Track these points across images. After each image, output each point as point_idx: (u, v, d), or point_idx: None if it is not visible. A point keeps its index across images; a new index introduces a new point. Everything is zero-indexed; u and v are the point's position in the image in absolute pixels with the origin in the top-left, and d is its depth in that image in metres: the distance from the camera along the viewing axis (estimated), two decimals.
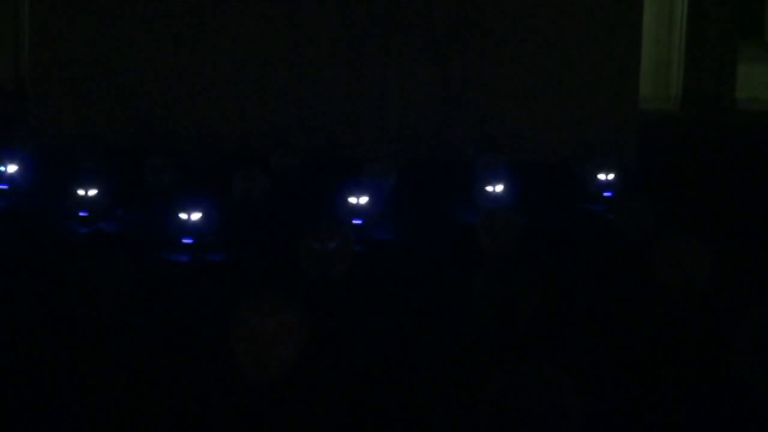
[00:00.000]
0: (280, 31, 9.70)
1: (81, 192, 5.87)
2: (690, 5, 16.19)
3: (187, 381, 3.55)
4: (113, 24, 9.75)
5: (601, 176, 7.30)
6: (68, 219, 6.00)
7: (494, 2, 9.54)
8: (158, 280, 4.81)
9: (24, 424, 3.15)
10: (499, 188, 6.73)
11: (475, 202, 6.77)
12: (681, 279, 4.72)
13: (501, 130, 9.38)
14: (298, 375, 3.52)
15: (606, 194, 7.21)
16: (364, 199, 5.86)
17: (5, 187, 6.78)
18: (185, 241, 5.38)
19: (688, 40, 16.21)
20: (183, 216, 5.36)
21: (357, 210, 5.88)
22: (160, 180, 6.75)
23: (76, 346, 3.88)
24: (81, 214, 5.90)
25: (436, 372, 3.74)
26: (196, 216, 5.37)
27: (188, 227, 5.38)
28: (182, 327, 4.14)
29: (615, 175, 7.29)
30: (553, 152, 9.19)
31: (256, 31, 9.71)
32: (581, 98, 9.48)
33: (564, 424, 2.83)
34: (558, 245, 6.02)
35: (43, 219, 6.07)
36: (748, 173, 9.23)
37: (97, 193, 5.91)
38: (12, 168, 6.82)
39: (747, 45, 16.83)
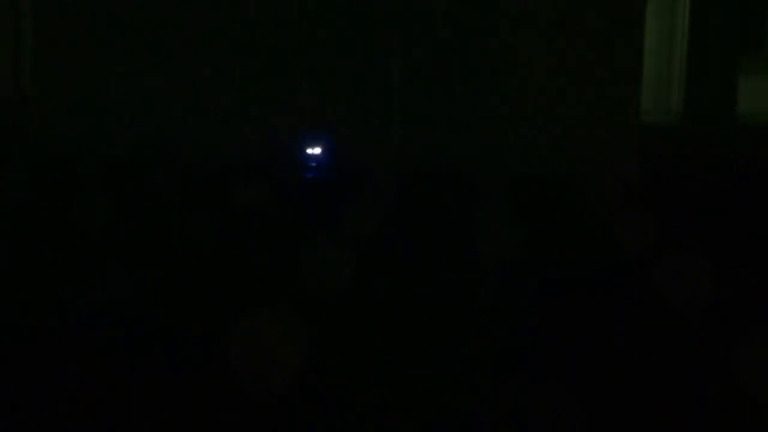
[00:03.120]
0: (280, 38, 9.71)
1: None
2: (691, 18, 16.23)
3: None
4: (116, 32, 9.76)
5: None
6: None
7: (495, 14, 9.54)
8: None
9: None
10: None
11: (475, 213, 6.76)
12: (683, 293, 4.71)
13: (501, 142, 9.37)
14: (297, 385, 3.51)
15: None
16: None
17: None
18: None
19: (689, 53, 16.24)
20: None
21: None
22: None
23: None
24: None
25: (435, 384, 3.72)
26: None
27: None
28: None
29: None
30: (552, 164, 9.19)
31: (256, 36, 9.73)
32: (582, 110, 9.48)
33: None
34: (556, 259, 6.01)
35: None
36: (749, 186, 9.22)
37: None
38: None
39: (748, 57, 16.86)
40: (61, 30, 9.82)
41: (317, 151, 9.12)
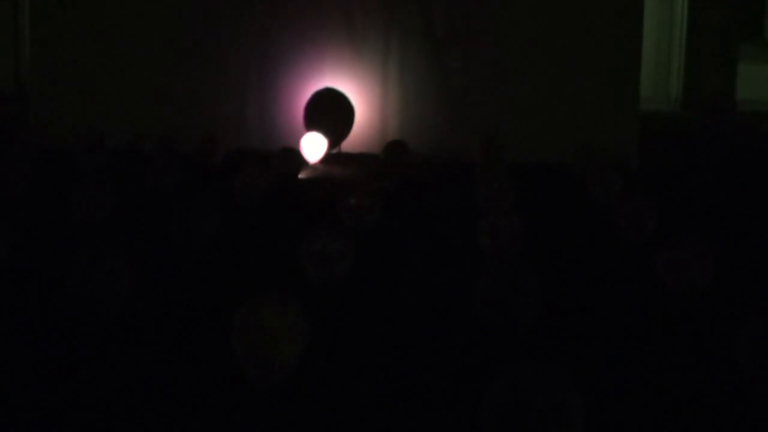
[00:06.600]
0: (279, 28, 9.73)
1: None
2: (690, 5, 16.19)
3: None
4: (114, 24, 9.76)
5: None
6: None
7: (494, 3, 9.54)
8: None
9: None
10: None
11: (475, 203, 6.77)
12: (683, 280, 4.72)
13: (501, 130, 9.37)
14: (296, 377, 3.52)
15: None
16: None
17: None
18: None
19: (689, 40, 16.21)
20: None
21: None
22: None
23: None
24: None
25: (437, 374, 3.74)
26: None
27: None
28: None
29: None
30: (552, 153, 9.19)
31: (257, 29, 9.73)
32: (581, 98, 9.48)
33: (566, 426, 2.82)
34: (557, 247, 6.02)
35: None
36: (748, 174, 9.22)
37: None
38: None
39: (747, 45, 16.83)
40: (59, 22, 9.81)
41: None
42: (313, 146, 9.02)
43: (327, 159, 9.18)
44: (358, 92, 9.68)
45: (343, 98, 9.58)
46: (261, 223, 6.49)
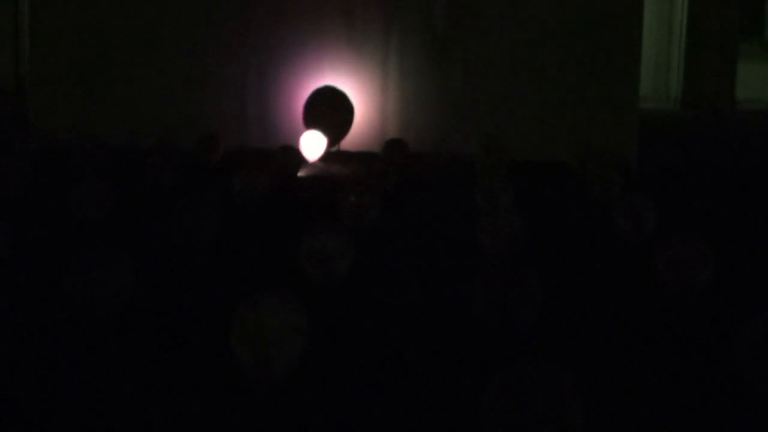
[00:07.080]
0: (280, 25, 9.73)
1: None
2: (690, 4, 16.18)
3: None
4: (114, 23, 9.75)
5: None
6: None
7: (494, 3, 9.54)
8: None
9: None
10: None
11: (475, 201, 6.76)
12: (683, 280, 4.71)
13: (501, 129, 9.36)
14: (295, 376, 3.51)
15: None
16: None
17: None
18: None
19: (688, 40, 16.20)
20: None
21: None
22: None
23: None
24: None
25: (437, 374, 3.73)
26: None
27: None
28: None
29: None
30: (552, 153, 9.19)
31: (256, 27, 9.72)
32: (581, 98, 9.47)
33: (566, 425, 2.82)
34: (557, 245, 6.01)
35: None
36: (748, 173, 9.22)
37: None
38: None
39: (747, 44, 16.83)
40: (59, 21, 9.80)
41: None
42: (313, 144, 9.02)
43: (326, 157, 9.18)
44: (357, 90, 9.68)
45: (342, 96, 9.58)
46: (260, 221, 6.49)
